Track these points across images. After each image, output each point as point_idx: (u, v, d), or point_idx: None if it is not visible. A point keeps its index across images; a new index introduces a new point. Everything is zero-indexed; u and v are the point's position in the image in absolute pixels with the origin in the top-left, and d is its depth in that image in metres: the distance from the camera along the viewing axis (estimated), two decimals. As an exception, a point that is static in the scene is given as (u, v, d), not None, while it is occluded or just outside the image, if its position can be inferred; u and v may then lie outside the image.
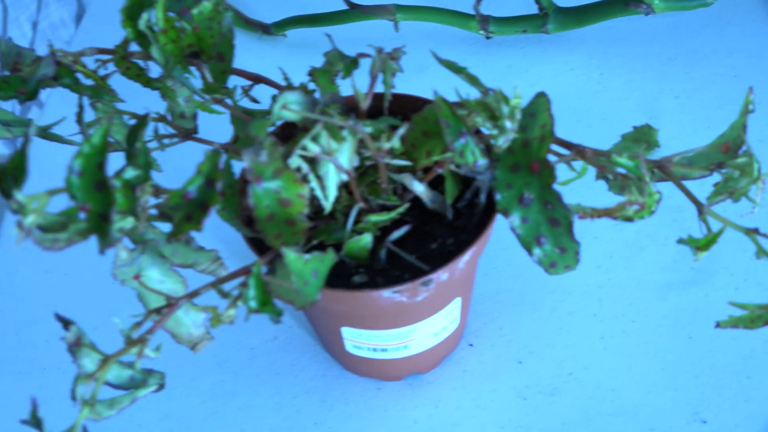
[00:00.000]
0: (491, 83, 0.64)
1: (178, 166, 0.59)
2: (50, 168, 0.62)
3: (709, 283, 0.52)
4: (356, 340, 0.45)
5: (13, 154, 0.35)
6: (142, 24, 0.39)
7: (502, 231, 0.52)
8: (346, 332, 0.45)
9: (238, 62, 0.68)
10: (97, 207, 0.35)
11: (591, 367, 0.49)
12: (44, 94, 0.73)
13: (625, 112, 0.61)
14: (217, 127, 0.58)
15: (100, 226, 0.35)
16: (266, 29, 0.68)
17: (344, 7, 0.65)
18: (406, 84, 0.63)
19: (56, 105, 0.66)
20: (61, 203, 0.38)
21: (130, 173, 0.37)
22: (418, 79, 0.64)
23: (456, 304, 0.45)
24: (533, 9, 0.66)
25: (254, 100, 0.48)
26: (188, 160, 0.58)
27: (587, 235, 0.54)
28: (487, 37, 0.65)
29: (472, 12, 0.65)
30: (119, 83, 0.51)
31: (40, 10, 1.37)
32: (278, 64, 0.68)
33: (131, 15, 0.40)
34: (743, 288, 0.51)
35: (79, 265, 0.57)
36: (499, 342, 0.50)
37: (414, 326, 0.44)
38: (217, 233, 0.56)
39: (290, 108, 0.39)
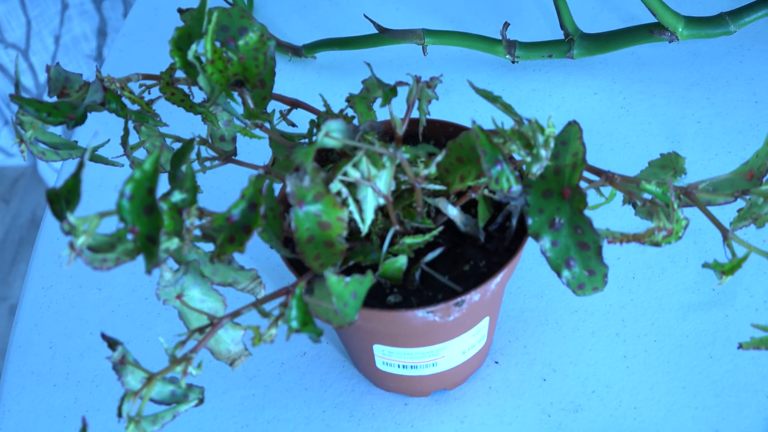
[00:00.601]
0: (516, 107, 0.66)
1: (217, 187, 0.61)
2: (88, 185, 0.64)
3: (729, 304, 0.53)
4: (387, 358, 0.47)
5: (67, 179, 0.37)
6: (190, 55, 0.41)
7: (526, 252, 0.53)
8: (378, 350, 0.46)
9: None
10: (145, 229, 0.37)
11: (613, 385, 0.50)
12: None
13: (648, 137, 0.62)
14: (254, 149, 0.60)
15: (147, 248, 0.37)
16: (297, 51, 0.70)
17: (374, 30, 0.67)
18: (432, 106, 0.64)
19: (90, 122, 0.68)
20: (107, 224, 0.39)
21: (178, 196, 0.39)
22: (443, 101, 0.66)
23: (484, 323, 0.47)
24: (558, 34, 0.68)
25: (292, 124, 0.50)
26: (227, 181, 0.60)
27: (611, 256, 0.55)
28: (513, 62, 0.66)
29: (499, 37, 0.67)
30: (161, 106, 0.53)
31: (63, 24, 1.39)
32: (307, 86, 0.69)
33: (180, 45, 0.42)
34: (763, 309, 0.52)
35: (112, 280, 0.58)
36: (524, 360, 0.51)
37: (444, 344, 0.46)
38: (248, 251, 0.57)
39: (333, 136, 0.40)
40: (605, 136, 0.63)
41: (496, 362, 0.51)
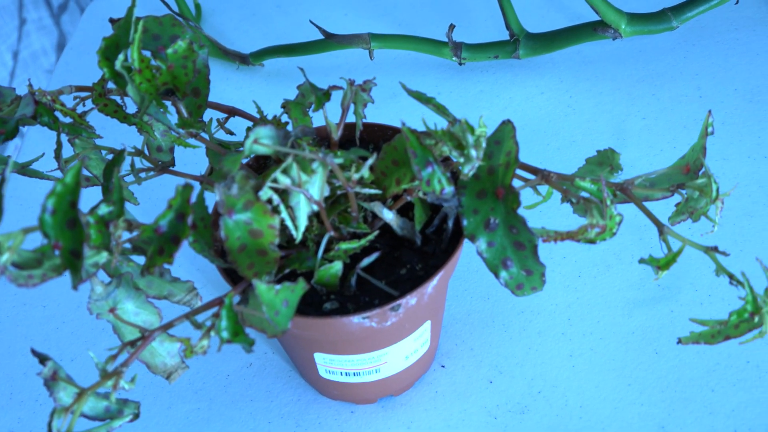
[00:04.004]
0: (464, 108, 0.66)
1: (155, 199, 0.60)
2: (29, 201, 0.63)
3: (674, 299, 0.53)
4: (329, 365, 0.46)
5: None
6: (118, 65, 0.40)
7: (472, 254, 0.53)
8: (319, 358, 0.46)
9: (217, 92, 0.70)
10: (68, 244, 0.36)
11: (559, 384, 0.50)
12: (23, 127, 0.74)
13: (594, 134, 0.62)
14: (195, 158, 0.59)
15: (72, 263, 0.36)
16: (244, 59, 0.69)
17: (320, 37, 0.67)
18: (380, 110, 0.64)
19: (36, 138, 0.67)
20: (37, 239, 0.39)
21: (104, 209, 0.38)
22: (392, 105, 0.66)
23: (426, 327, 0.47)
24: (504, 35, 0.68)
25: (230, 132, 0.50)
26: (166, 191, 0.60)
27: (556, 255, 0.55)
28: (460, 64, 0.66)
29: (445, 39, 0.66)
30: (97, 119, 0.53)
31: (21, 40, 1.38)
32: (256, 94, 0.69)
33: (107, 55, 0.41)
34: (708, 303, 0.52)
35: (57, 297, 0.57)
36: (470, 362, 0.51)
37: (385, 350, 0.45)
38: (194, 262, 0.57)
39: (262, 142, 0.40)
40: (552, 134, 0.63)
41: (443, 366, 0.51)
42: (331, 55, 0.70)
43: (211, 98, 0.46)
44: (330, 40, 0.66)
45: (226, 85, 0.69)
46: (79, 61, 0.75)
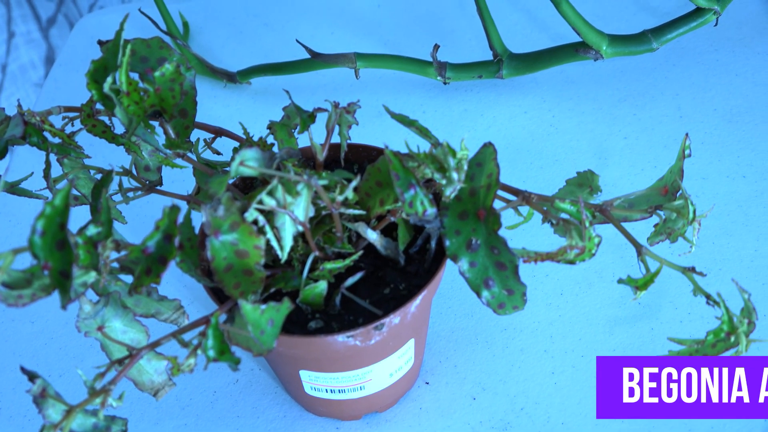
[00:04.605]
0: (448, 127, 0.67)
1: (144, 217, 0.61)
2: (19, 217, 0.64)
3: (654, 317, 0.54)
4: (314, 383, 0.47)
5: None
6: (106, 87, 0.41)
7: (455, 272, 0.54)
8: (305, 375, 0.46)
9: (204, 109, 0.70)
10: (57, 265, 0.37)
11: (542, 401, 0.51)
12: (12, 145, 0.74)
13: (576, 153, 0.63)
14: (182, 176, 0.60)
15: (61, 283, 0.37)
16: (231, 77, 0.70)
17: (307, 56, 0.68)
18: (366, 129, 0.65)
19: (25, 156, 0.68)
20: (27, 259, 0.39)
21: (93, 230, 0.39)
22: (377, 124, 0.67)
23: (410, 345, 0.47)
24: (488, 55, 0.69)
25: (216, 152, 0.50)
26: (154, 210, 0.60)
27: (539, 274, 0.56)
28: (445, 83, 0.67)
29: (430, 59, 0.68)
30: (86, 138, 0.53)
31: (9, 53, 1.38)
32: (243, 112, 0.70)
33: (96, 78, 0.42)
34: (687, 321, 0.53)
35: (45, 313, 0.58)
36: (454, 379, 0.52)
37: (369, 368, 0.46)
38: (181, 279, 0.58)
39: (248, 164, 0.41)
40: (535, 154, 0.64)
41: (427, 383, 0.52)
42: (318, 73, 0.71)
43: (199, 115, 0.47)
44: (316, 59, 0.66)
45: (214, 103, 0.70)
46: (67, 78, 0.76)
